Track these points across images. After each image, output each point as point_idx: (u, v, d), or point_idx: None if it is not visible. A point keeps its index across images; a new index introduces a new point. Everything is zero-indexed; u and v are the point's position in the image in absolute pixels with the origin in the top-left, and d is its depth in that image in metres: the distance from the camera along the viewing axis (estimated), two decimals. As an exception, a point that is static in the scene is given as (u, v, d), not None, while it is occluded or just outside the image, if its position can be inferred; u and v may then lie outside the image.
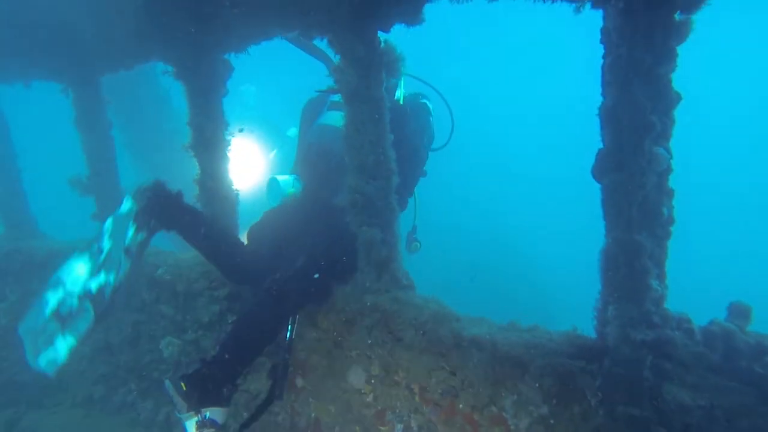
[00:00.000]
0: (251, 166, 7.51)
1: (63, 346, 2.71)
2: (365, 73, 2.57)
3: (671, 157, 1.79)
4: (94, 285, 2.72)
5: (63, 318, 2.72)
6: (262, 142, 7.90)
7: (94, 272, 2.76)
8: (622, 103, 1.75)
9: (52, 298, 2.78)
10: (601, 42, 1.84)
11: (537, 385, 2.19)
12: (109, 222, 2.88)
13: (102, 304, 2.75)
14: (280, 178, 4.23)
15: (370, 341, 2.75)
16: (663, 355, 1.90)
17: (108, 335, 3.90)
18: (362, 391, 2.93)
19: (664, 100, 1.73)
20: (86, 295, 2.74)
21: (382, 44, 2.60)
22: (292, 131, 8.62)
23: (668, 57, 1.65)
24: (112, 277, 2.75)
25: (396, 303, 2.67)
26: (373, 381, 2.83)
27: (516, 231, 12.39)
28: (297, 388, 3.24)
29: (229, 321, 3.48)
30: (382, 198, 2.64)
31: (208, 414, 2.31)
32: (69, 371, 3.98)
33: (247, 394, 3.49)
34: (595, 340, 2.11)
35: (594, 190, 2.03)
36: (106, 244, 2.82)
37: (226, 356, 2.54)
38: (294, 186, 3.96)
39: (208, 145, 3.21)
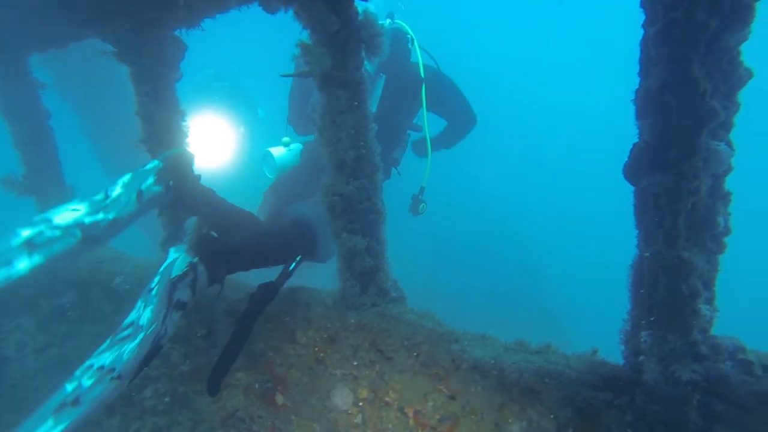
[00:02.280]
0: (220, 143, 6.91)
1: (24, 265, 2.18)
2: (340, 51, 2.07)
3: (733, 154, 1.36)
4: (88, 219, 2.33)
5: (35, 245, 2.21)
6: (232, 115, 7.25)
7: (92, 212, 2.36)
8: (672, 85, 1.30)
9: (27, 230, 2.24)
10: (642, 6, 1.38)
11: (552, 416, 1.81)
12: (127, 176, 2.52)
13: (93, 231, 2.34)
14: (275, 151, 3.81)
15: (356, 362, 2.33)
16: (714, 394, 1.52)
17: (64, 349, 3.42)
18: (349, 412, 2.54)
19: (729, 80, 1.29)
20: (76, 225, 2.32)
21: (361, 16, 2.10)
22: (261, 111, 8.02)
23: (742, 20, 1.20)
24: (112, 215, 2.40)
25: (385, 320, 2.25)
26: (360, 404, 2.43)
27: (526, 221, 11.77)
28: (277, 404, 2.83)
29: (199, 335, 3.03)
30: (365, 199, 2.18)
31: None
32: (21, 387, 3.51)
33: (223, 411, 3.08)
34: (623, 368, 1.71)
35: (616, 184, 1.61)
36: (117, 191, 2.45)
37: (242, 253, 2.55)
38: (290, 156, 3.68)
39: (162, 138, 2.69)
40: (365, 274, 2.26)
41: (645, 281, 1.56)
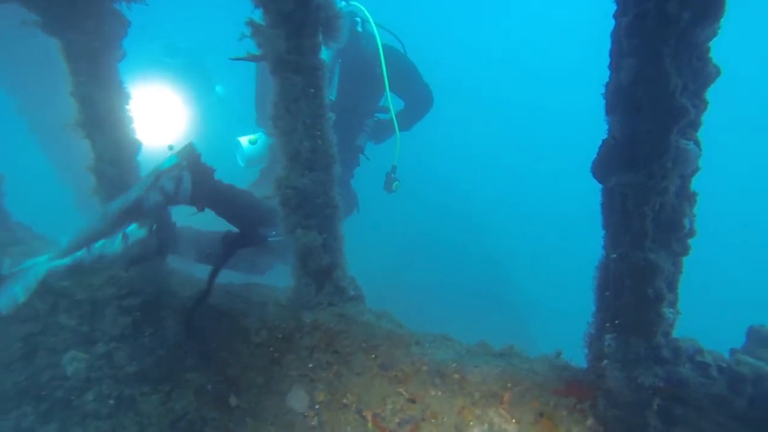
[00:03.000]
0: (171, 119, 6.51)
1: (34, 274, 2.41)
2: (296, 33, 1.91)
3: (701, 153, 1.30)
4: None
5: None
6: (185, 92, 6.86)
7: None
8: (644, 81, 1.22)
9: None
10: (614, -5, 1.30)
11: (514, 420, 1.75)
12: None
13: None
14: (243, 140, 3.73)
15: (311, 364, 2.20)
16: (673, 397, 1.48)
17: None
18: (305, 415, 2.42)
19: (699, 77, 1.22)
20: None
21: (318, -4, 1.94)
22: (220, 88, 7.68)
23: (712, 14, 1.13)
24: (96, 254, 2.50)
25: (342, 321, 2.13)
26: (317, 407, 2.31)
27: (493, 217, 11.63)
28: (230, 406, 2.68)
29: (147, 334, 2.83)
30: (321, 193, 2.04)
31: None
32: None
33: (173, 414, 2.91)
34: (586, 372, 1.66)
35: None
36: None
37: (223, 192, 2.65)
38: (259, 147, 3.58)
39: (103, 123, 2.45)
40: (321, 272, 2.13)
41: (611, 283, 1.50)
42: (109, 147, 2.38)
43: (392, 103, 4.05)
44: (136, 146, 2.54)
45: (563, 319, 9.92)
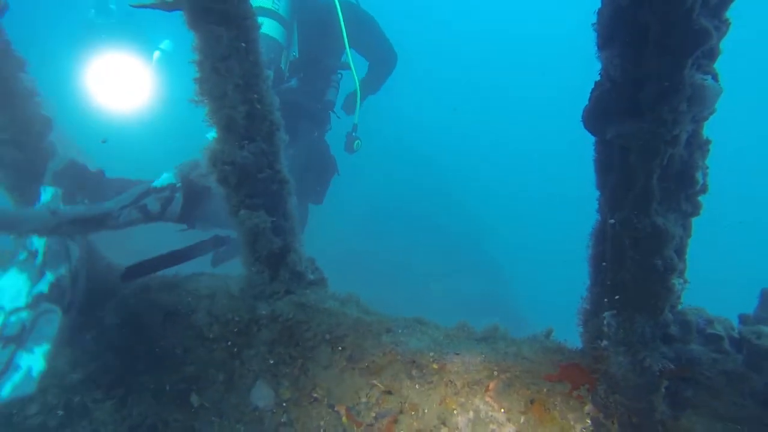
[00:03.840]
0: (133, 82, 5.98)
1: (31, 359, 2.14)
2: (215, -27, 1.54)
3: (722, 91, 1.04)
4: (43, 287, 2.12)
5: (13, 338, 2.08)
6: (129, 53, 6.30)
7: (35, 278, 2.15)
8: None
9: None
10: None
11: (502, 409, 1.54)
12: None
13: (65, 294, 2.15)
14: None
15: (272, 360, 1.94)
16: (682, 378, 1.28)
17: None
18: (273, 411, 2.18)
19: (720, -9, 0.95)
20: (38, 299, 2.12)
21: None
22: (166, 44, 7.07)
23: None
24: (63, 269, 2.18)
25: (301, 310, 1.85)
26: (284, 404, 2.07)
27: (472, 191, 11.19)
28: (193, 406, 2.42)
29: (88, 338, 2.51)
30: (265, 167, 1.72)
31: None
32: None
33: (131, 419, 2.63)
34: (582, 354, 1.45)
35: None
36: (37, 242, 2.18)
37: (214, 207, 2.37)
38: None
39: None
40: (273, 257, 1.83)
41: (608, 253, 1.26)
42: (7, 126, 1.96)
43: (351, 59, 3.90)
44: (46, 124, 2.12)
45: (549, 287, 9.95)
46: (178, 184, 2.26)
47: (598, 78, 1.17)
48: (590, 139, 1.23)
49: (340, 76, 4.17)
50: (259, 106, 1.67)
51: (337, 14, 3.67)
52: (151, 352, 2.34)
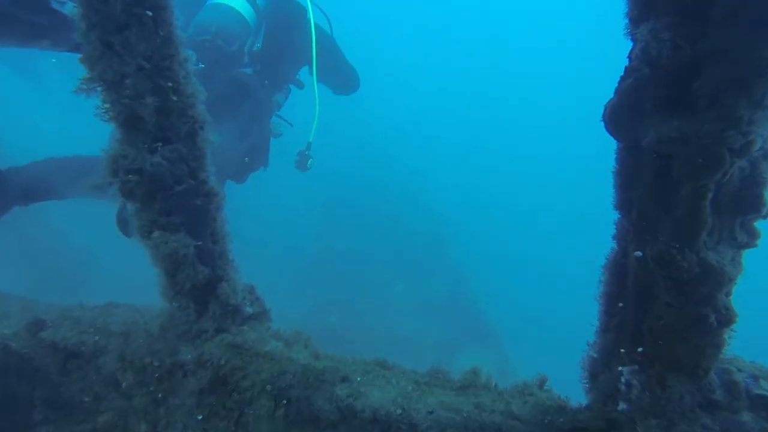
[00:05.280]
0: None
1: None
2: None
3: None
4: None
5: None
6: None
7: None
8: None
9: None
10: None
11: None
12: None
13: None
14: None
15: (201, 416, 1.53)
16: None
17: None
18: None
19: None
20: None
21: None
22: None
23: None
24: None
25: (236, 354, 1.46)
26: (219, 462, 1.66)
27: (438, 196, 10.69)
28: (110, 459, 1.97)
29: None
30: (184, 176, 1.31)
31: None
32: None
33: None
34: (591, 415, 1.14)
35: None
36: None
37: None
38: None
39: None
40: (200, 290, 1.42)
41: (631, 294, 0.95)
42: None
43: (316, 69, 3.79)
44: None
45: (506, 279, 9.80)
46: None
47: (624, 62, 0.85)
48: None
49: (289, 89, 4.09)
50: (175, 98, 1.26)
51: (311, 39, 3.65)
52: (49, 401, 1.87)
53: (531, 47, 23.82)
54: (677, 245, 0.82)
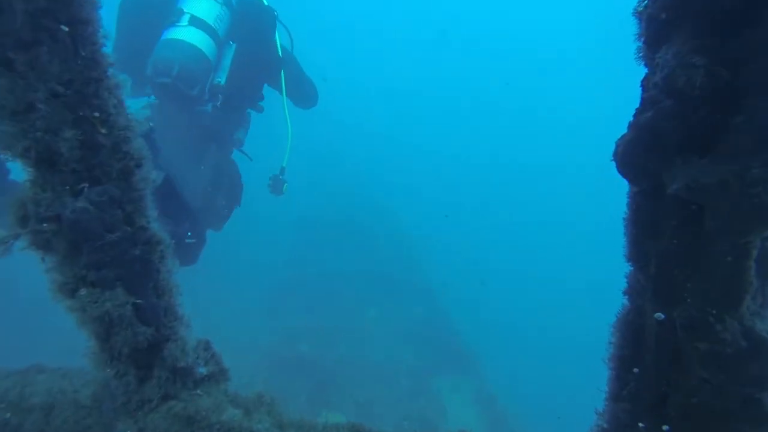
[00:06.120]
0: None
1: None
2: None
3: None
4: None
5: None
6: None
7: None
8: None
9: None
10: None
11: None
12: None
13: None
14: None
15: (144, 502, 1.29)
16: None
17: None
18: None
19: None
20: None
21: None
22: None
23: None
24: None
25: (186, 425, 1.24)
26: None
27: (394, 200, 10.53)
28: None
29: None
30: (117, 222, 1.11)
31: None
32: None
33: None
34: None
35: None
36: None
37: None
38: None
39: None
40: (141, 353, 1.20)
41: (649, 360, 0.80)
42: None
43: (287, 103, 3.84)
44: None
45: (482, 303, 9.69)
46: None
47: (638, 91, 0.71)
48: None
49: (249, 121, 3.98)
50: (104, 131, 1.05)
51: (278, 62, 3.60)
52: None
53: (508, 64, 24.10)
54: (713, 311, 0.67)
